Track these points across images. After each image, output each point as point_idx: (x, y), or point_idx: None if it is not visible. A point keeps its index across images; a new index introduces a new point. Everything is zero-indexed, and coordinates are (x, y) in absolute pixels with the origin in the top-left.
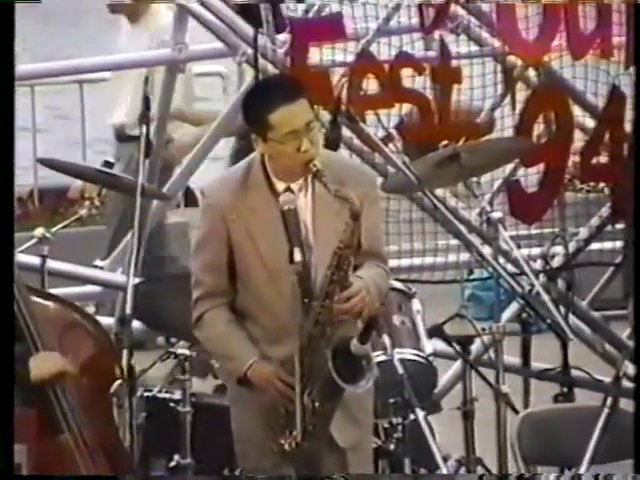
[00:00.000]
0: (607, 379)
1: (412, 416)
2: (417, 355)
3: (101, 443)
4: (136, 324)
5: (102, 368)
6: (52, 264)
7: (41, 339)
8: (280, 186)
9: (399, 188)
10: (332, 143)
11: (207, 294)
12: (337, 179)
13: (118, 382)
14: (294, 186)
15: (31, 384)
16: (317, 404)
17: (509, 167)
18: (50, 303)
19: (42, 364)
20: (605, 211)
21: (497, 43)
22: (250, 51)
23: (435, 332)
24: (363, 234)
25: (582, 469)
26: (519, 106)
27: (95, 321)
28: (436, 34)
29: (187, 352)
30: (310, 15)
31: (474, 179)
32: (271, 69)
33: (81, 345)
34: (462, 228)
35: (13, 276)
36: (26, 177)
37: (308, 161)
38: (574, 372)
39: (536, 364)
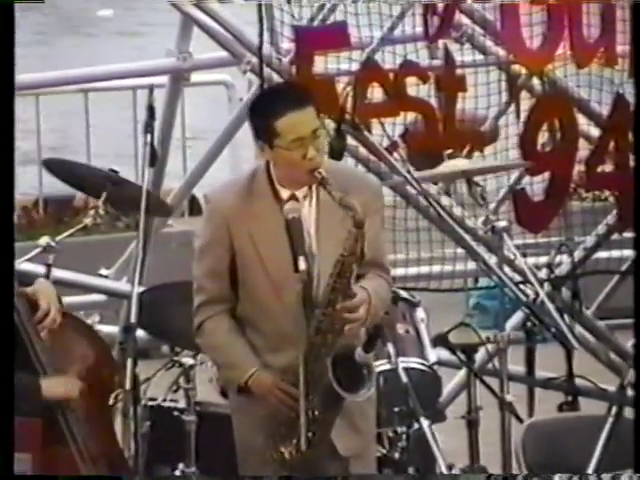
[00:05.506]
0: (612, 388)
1: (416, 425)
2: (421, 364)
3: (102, 455)
4: (140, 333)
5: (101, 379)
6: (57, 273)
7: (41, 346)
8: (284, 194)
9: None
10: (337, 152)
11: (209, 301)
12: (340, 187)
13: (119, 392)
14: (298, 194)
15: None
16: (317, 412)
17: (514, 175)
18: None
19: (56, 386)
20: (611, 219)
21: (501, 52)
22: (255, 60)
23: (439, 341)
24: (365, 243)
25: None
26: (523, 115)
27: (93, 330)
28: (440, 43)
29: (191, 361)
30: (315, 24)
31: (479, 188)
32: (276, 78)
33: (78, 356)
34: (467, 237)
35: (13, 284)
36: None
37: (313, 169)
38: (579, 381)
39: (541, 373)
